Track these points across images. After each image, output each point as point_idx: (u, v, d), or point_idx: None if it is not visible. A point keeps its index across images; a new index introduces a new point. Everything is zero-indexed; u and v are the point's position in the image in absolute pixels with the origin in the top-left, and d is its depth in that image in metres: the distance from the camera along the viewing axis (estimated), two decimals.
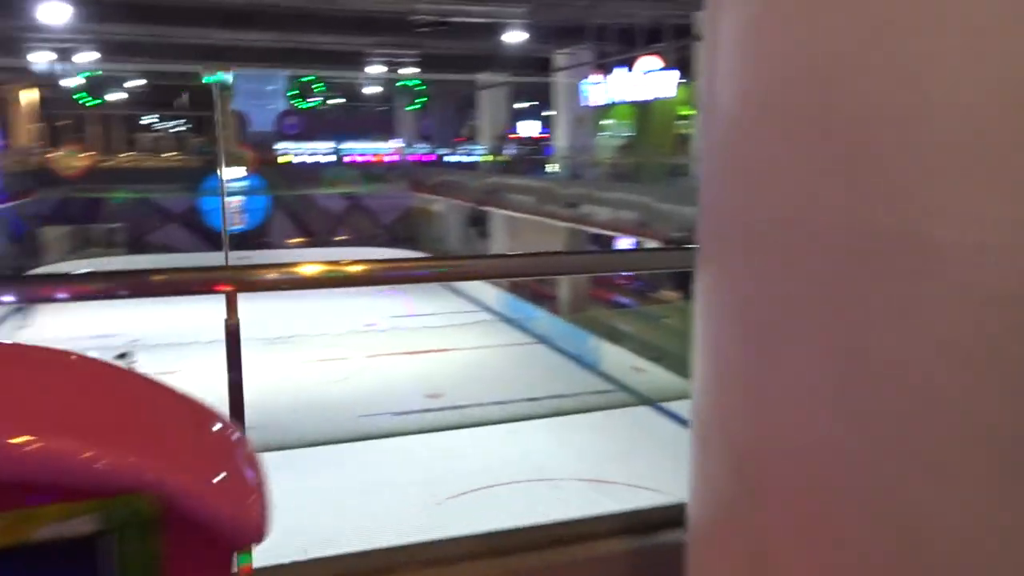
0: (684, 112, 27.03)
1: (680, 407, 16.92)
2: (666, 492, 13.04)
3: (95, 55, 22.00)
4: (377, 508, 12.51)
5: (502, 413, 17.44)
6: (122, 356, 16.40)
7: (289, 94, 28.99)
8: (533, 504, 12.82)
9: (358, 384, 19.67)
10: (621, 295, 28.07)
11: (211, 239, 38.70)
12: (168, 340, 24.14)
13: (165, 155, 44.57)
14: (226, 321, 2.13)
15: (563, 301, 25.28)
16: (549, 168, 28.61)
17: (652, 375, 18.18)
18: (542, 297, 29.04)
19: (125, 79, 37.77)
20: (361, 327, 25.97)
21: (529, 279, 32.34)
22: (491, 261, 3.07)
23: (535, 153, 32.84)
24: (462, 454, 14.99)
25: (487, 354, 22.61)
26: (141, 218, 37.54)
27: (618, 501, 12.90)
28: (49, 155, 40.84)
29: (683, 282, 18.55)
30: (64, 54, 23.15)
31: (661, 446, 15.43)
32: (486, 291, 29.81)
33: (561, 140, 25.47)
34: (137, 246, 37.62)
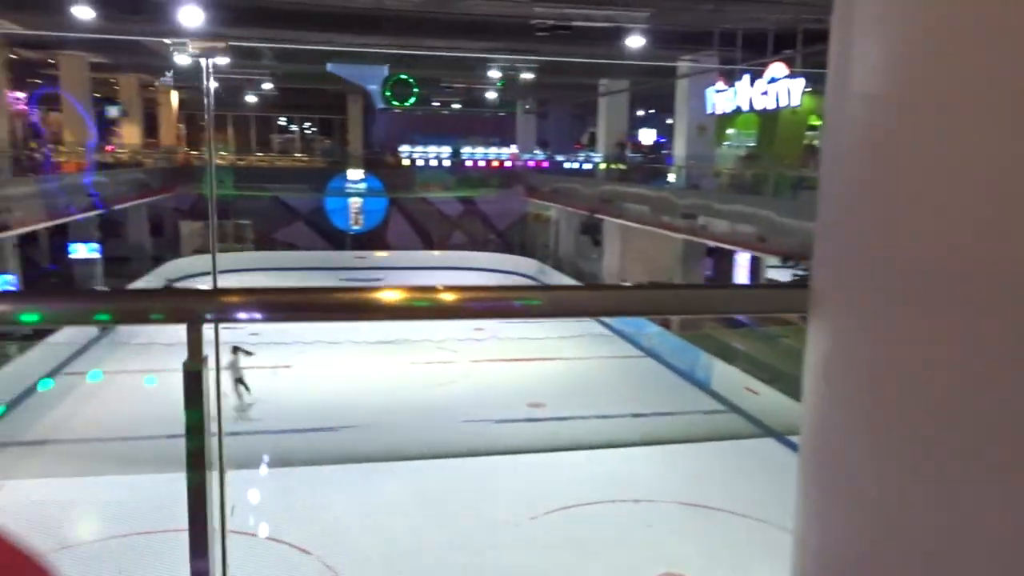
0: (814, 122, 25.70)
1: (794, 433, 15.97)
2: (775, 523, 12.30)
3: (227, 59, 22.98)
4: (471, 520, 12.36)
5: (604, 427, 16.99)
6: (236, 351, 16.93)
7: (385, 94, 29.51)
8: (629, 526, 12.35)
9: (462, 389, 19.66)
10: None
11: (332, 238, 40.09)
12: (283, 337, 24.97)
13: (295, 156, 46.50)
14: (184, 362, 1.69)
15: (676, 316, 24.51)
16: (667, 177, 27.86)
17: (766, 398, 17.23)
18: None
19: (261, 82, 39.62)
20: (469, 331, 26.07)
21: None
22: (572, 293, 2.48)
23: (653, 162, 32.10)
24: (561, 467, 14.63)
25: (592, 365, 22.16)
26: (270, 216, 39.22)
27: (719, 529, 12.25)
28: (190, 154, 43.46)
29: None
30: (200, 58, 24.34)
31: (771, 474, 14.58)
32: None
33: (681, 149, 24.72)
34: (264, 242, 39.35)
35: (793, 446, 15.65)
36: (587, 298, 2.06)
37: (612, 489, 13.63)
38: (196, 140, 46.34)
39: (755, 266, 27.85)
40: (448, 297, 1.84)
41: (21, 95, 37.68)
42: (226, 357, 16.53)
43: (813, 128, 26.00)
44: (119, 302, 1.99)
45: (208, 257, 36.92)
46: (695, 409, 18.65)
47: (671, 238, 24.02)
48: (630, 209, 26.44)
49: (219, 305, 1.80)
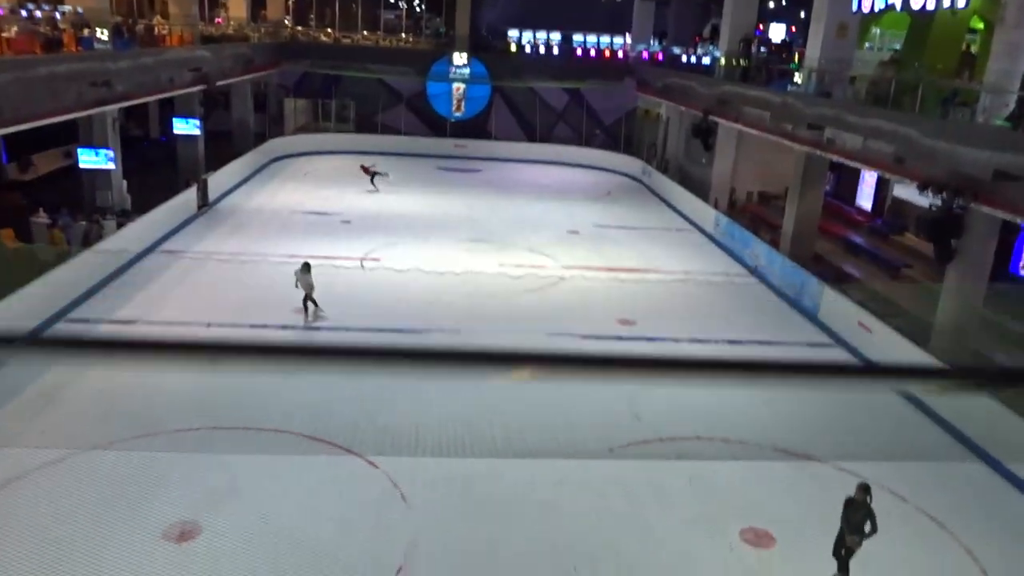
0: (976, 25, 22.50)
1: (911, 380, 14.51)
2: (882, 483, 11.17)
3: None
4: (543, 448, 11.74)
5: (698, 352, 15.92)
6: (307, 268, 16.24)
7: None
8: (717, 469, 11.48)
9: (550, 298, 18.84)
10: (856, 233, 24.83)
11: (433, 124, 39.13)
12: (374, 221, 24.62)
13: (400, 36, 45.12)
14: None
15: (786, 231, 22.65)
16: (794, 80, 25.27)
17: (881, 336, 15.69)
18: (765, 224, 26.42)
19: None
20: (564, 234, 25.05)
21: (753, 199, 29.63)
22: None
23: (781, 61, 29.21)
24: (646, 393, 13.74)
25: (691, 280, 20.87)
26: (372, 97, 38.48)
27: (825, 483, 11.21)
28: (296, 29, 42.77)
29: (937, 231, 15.57)
30: None
31: (878, 422, 13.32)
32: (701, 208, 27.64)
33: (815, 49, 22.14)
34: (366, 124, 38.82)
35: (909, 396, 14.27)
36: None
37: (699, 424, 12.73)
38: (303, 15, 45.58)
39: (881, 188, 25.39)
40: None
41: None
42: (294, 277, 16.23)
43: (973, 31, 22.78)
44: None
45: (310, 136, 36.99)
46: (798, 340, 17.29)
47: (792, 148, 21.91)
48: (749, 113, 24.24)
49: None
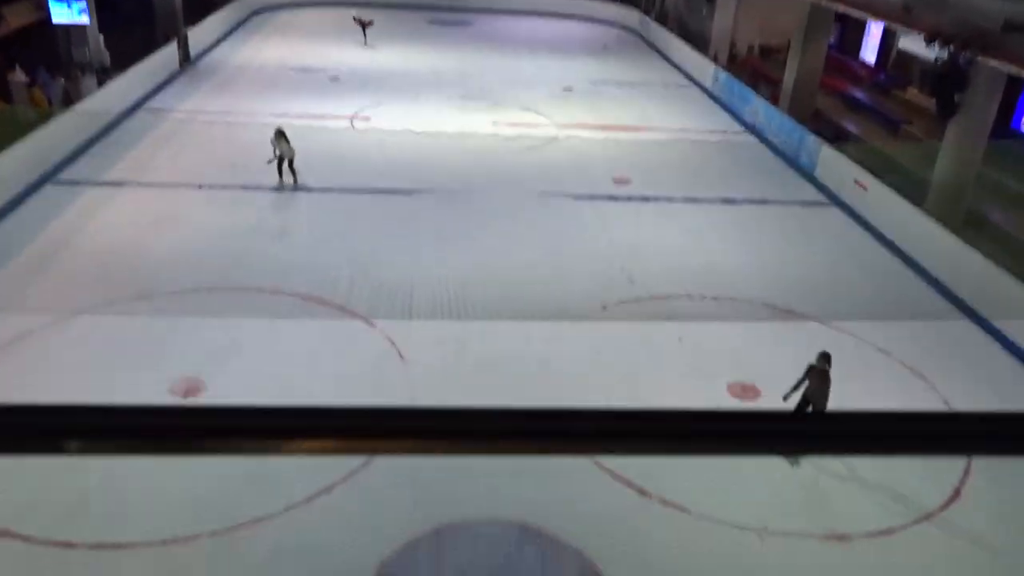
0: None
1: (899, 237, 14.65)
2: (867, 340, 11.48)
3: None
4: (542, 302, 11.93)
5: (692, 211, 15.92)
6: (280, 135, 15.52)
7: None
8: (706, 325, 11.74)
9: (543, 157, 18.58)
10: (857, 88, 24.24)
11: None
12: (363, 78, 23.89)
13: None
14: None
15: (787, 87, 22.09)
16: None
17: (877, 195, 15.65)
18: (764, 79, 25.71)
19: None
20: (559, 91, 24.38)
21: (754, 52, 28.69)
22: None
23: None
24: (640, 252, 13.86)
25: (688, 138, 20.54)
26: None
27: (811, 340, 11.49)
28: None
29: (941, 85, 15.18)
30: None
31: (874, 280, 13.53)
32: (699, 62, 26.79)
33: None
34: None
35: (898, 250, 14.43)
36: None
37: (690, 283, 12.91)
38: None
39: (886, 40, 24.56)
40: None
41: None
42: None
43: None
44: None
45: None
46: (794, 199, 17.24)
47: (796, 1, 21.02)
48: None
49: None
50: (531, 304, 11.97)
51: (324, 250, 13.19)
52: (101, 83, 19.13)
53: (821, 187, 17.63)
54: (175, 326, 10.75)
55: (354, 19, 29.12)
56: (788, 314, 12.20)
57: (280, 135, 15.50)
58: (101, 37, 21.21)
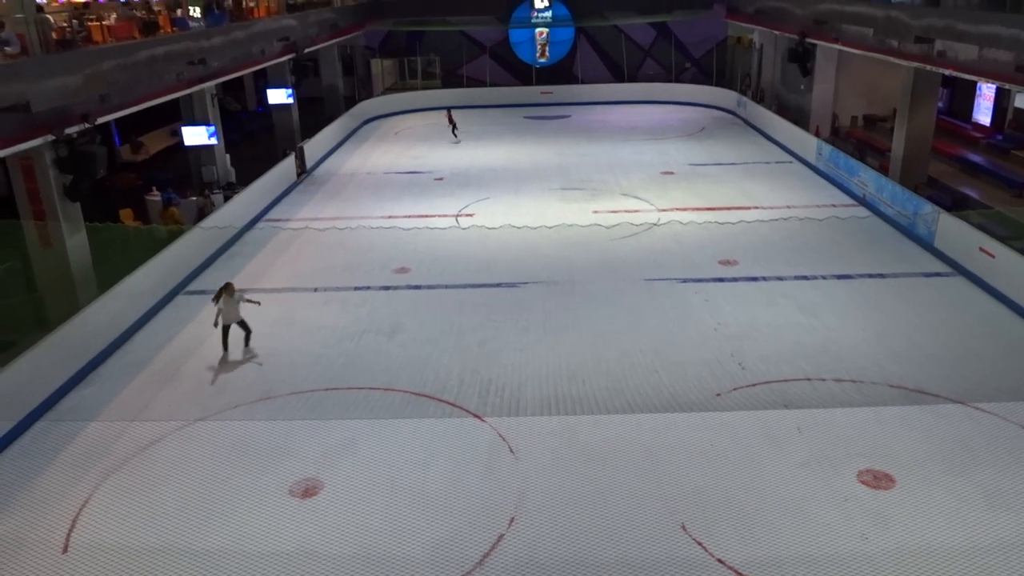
0: None
1: None
2: (1008, 416, 10.60)
3: None
4: (649, 392, 11.68)
5: (805, 290, 15.40)
6: (225, 289, 13.02)
7: None
8: (829, 409, 11.14)
9: (647, 242, 18.52)
10: (973, 151, 23.20)
11: (518, 72, 38.72)
12: (466, 176, 24.73)
13: None
14: None
15: (896, 155, 21.39)
16: None
17: (1005, 261, 14.71)
18: (872, 149, 25.03)
19: None
20: (657, 176, 24.48)
21: (858, 123, 28.04)
22: None
23: None
24: (752, 335, 13.45)
25: (794, 214, 20.06)
26: (455, 50, 38.32)
27: (939, 419, 10.75)
28: None
29: None
30: None
31: (1010, 358, 12.56)
32: (801, 137, 26.40)
33: None
34: (451, 78, 38.79)
35: None
36: None
37: (808, 365, 12.37)
38: None
39: (1000, 100, 23.57)
40: None
41: None
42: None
43: None
44: None
45: (399, 96, 37.24)
46: (914, 270, 16.42)
47: (899, 66, 20.55)
48: (849, 32, 22.81)
49: None
50: (640, 393, 11.74)
51: (434, 347, 13.46)
52: (227, 199, 20.60)
53: (942, 257, 16.76)
54: (294, 427, 11.11)
55: (448, 115, 30.84)
56: (920, 395, 11.45)
57: (227, 291, 12.98)
58: (227, 156, 22.96)
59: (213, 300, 13.20)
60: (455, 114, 31.13)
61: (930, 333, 13.45)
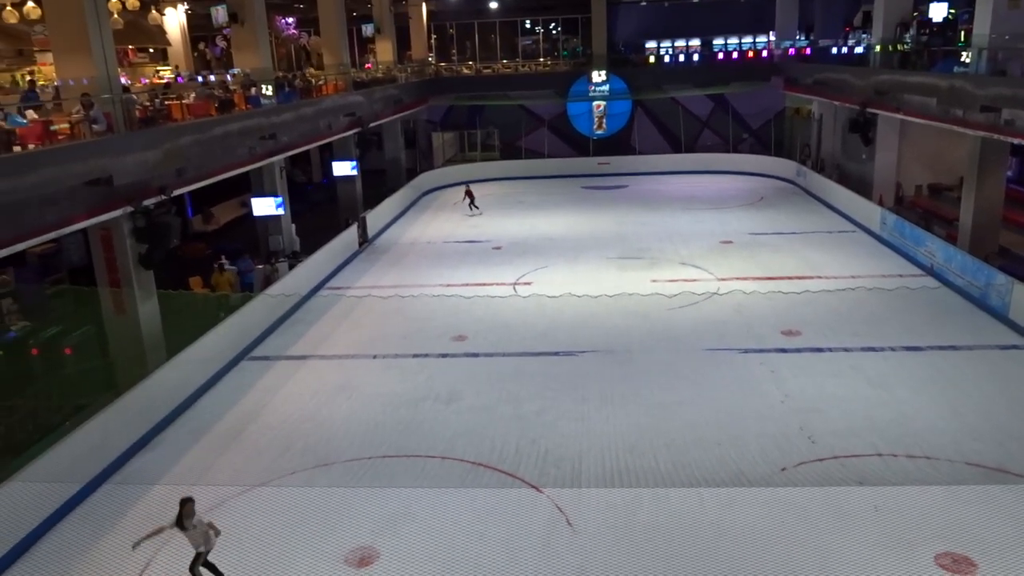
0: None
1: None
2: None
3: None
4: (711, 469, 11.34)
5: (873, 361, 14.92)
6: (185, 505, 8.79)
7: None
8: (903, 487, 10.63)
9: (707, 312, 18.28)
10: None
11: (576, 144, 39.35)
12: (523, 246, 24.96)
13: (539, 60, 45.70)
14: None
15: (964, 225, 20.86)
16: (961, 60, 23.34)
17: None
18: (938, 219, 24.48)
19: None
20: (717, 245, 24.33)
21: (923, 193, 27.51)
22: None
23: (945, 43, 27.06)
24: (819, 408, 13.03)
25: (859, 284, 19.60)
26: (514, 123, 39.25)
27: (1018, 501, 10.14)
28: (440, 65, 44.38)
29: None
30: None
31: None
32: (864, 207, 26.00)
33: (983, 24, 20.38)
34: (510, 150, 39.63)
35: None
36: None
37: (879, 440, 11.88)
38: (445, 51, 47.24)
39: None
40: None
41: (291, 20, 40.40)
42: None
43: None
44: None
45: (458, 167, 38.16)
46: (988, 343, 15.80)
47: (964, 135, 20.22)
48: (912, 101, 22.61)
49: None
50: (703, 467, 11.41)
51: (491, 415, 13.39)
52: (292, 267, 21.16)
53: (1018, 328, 16.11)
54: (351, 495, 11.08)
55: (466, 190, 31.39)
56: (1001, 473, 10.86)
57: (187, 511, 8.79)
58: (293, 226, 23.69)
59: (174, 525, 8.89)
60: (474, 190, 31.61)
61: (1008, 408, 12.83)
